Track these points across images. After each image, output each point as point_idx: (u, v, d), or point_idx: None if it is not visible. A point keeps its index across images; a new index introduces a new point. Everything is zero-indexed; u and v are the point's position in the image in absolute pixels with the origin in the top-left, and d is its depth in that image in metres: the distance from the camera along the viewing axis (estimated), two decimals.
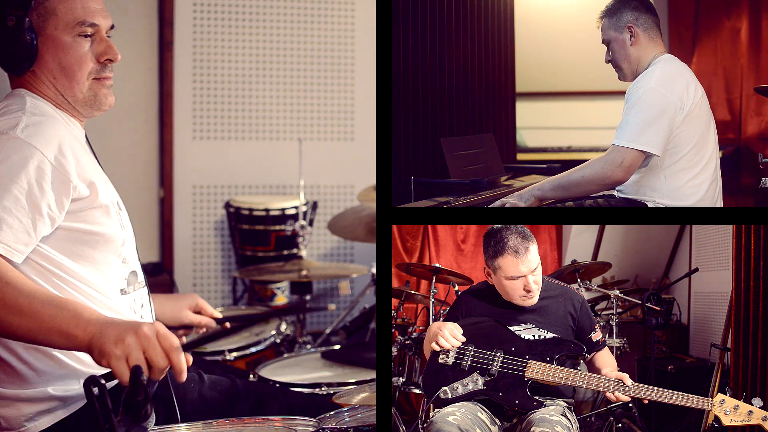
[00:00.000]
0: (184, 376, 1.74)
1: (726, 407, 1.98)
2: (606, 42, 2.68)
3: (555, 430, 1.97)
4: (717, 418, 2.07)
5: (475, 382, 2.16)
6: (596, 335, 2.31)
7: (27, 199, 1.87)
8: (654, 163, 2.55)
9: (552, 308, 2.28)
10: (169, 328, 2.49)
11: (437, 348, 2.20)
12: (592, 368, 2.34)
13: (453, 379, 2.17)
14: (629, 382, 2.10)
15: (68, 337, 1.74)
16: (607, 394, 2.10)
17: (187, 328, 2.55)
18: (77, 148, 2.01)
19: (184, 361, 1.73)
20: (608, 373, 2.17)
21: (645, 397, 2.08)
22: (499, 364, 2.17)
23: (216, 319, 2.56)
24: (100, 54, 2.09)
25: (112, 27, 2.14)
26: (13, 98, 2.07)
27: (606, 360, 2.33)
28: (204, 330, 2.57)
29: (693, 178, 2.56)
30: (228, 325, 2.61)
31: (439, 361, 2.21)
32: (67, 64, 2.06)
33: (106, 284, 2.05)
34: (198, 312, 2.54)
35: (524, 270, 2.19)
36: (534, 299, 2.24)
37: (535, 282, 2.22)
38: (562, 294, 2.31)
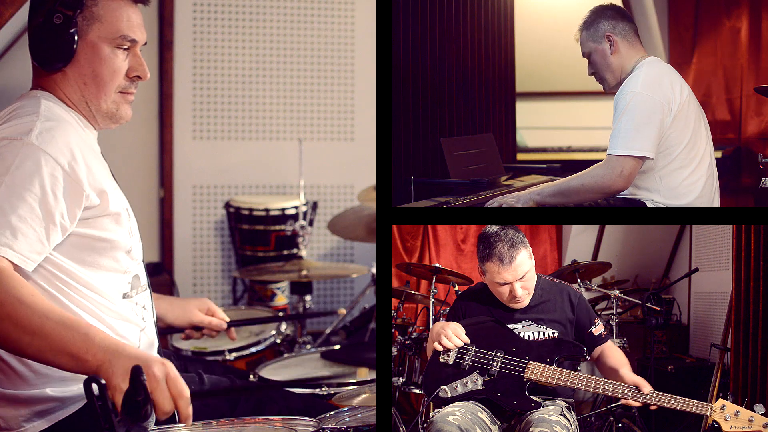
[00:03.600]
0: (189, 423, 1.74)
1: (726, 413, 1.96)
2: (586, 54, 2.72)
3: (554, 430, 1.97)
4: (717, 422, 2.07)
5: (475, 382, 2.16)
6: (597, 329, 2.31)
7: (41, 208, 1.87)
8: (648, 166, 2.56)
9: (549, 305, 2.29)
10: (177, 327, 2.51)
11: (440, 348, 2.21)
12: (605, 367, 2.31)
13: (453, 379, 2.17)
14: (647, 389, 2.07)
15: (78, 360, 1.74)
16: (623, 400, 2.09)
17: (197, 329, 2.55)
18: (89, 154, 2.01)
19: (190, 408, 1.72)
20: (626, 374, 2.15)
21: (643, 401, 2.07)
22: (499, 364, 2.17)
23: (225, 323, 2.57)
24: (132, 69, 2.10)
25: (145, 43, 2.14)
26: (27, 99, 2.06)
27: (618, 358, 2.30)
28: (214, 333, 2.57)
29: (688, 176, 2.58)
30: (234, 336, 2.62)
31: (440, 360, 2.22)
32: (101, 74, 2.06)
33: (110, 289, 2.05)
34: (209, 315, 2.54)
35: (509, 278, 2.21)
36: (523, 303, 2.27)
37: (523, 287, 2.23)
38: (559, 291, 2.32)
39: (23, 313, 1.75)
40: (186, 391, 1.72)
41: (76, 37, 2.03)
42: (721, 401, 1.98)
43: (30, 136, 1.90)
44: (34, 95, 2.07)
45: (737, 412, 1.96)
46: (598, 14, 2.69)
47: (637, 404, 2.09)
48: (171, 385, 1.71)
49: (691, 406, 2.01)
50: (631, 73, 2.63)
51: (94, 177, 1.97)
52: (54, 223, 1.89)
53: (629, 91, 2.55)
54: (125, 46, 2.08)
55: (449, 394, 2.15)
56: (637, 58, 2.65)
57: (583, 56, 2.73)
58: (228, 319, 2.58)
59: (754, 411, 1.96)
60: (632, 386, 2.10)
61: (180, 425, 1.97)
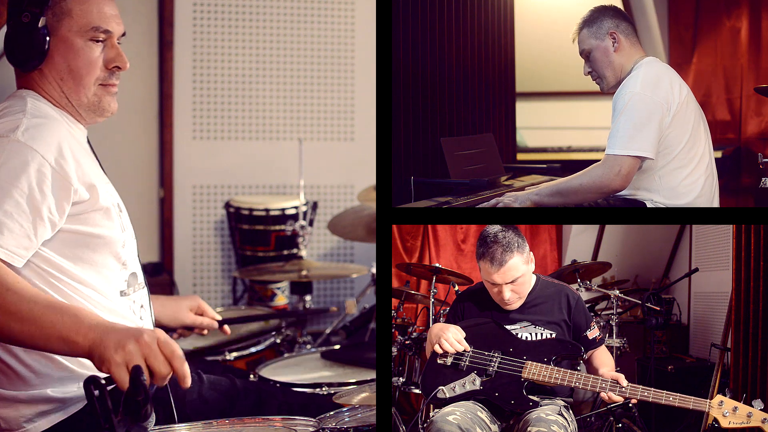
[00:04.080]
0: (188, 383, 1.73)
1: (725, 409, 1.96)
2: (586, 53, 2.70)
3: (551, 430, 1.97)
4: (717, 419, 2.06)
5: (473, 383, 2.16)
6: (593, 333, 2.32)
7: (28, 203, 1.87)
8: (648, 165, 2.55)
9: (547, 306, 2.29)
10: (169, 328, 2.52)
11: (440, 351, 2.21)
12: (590, 367, 2.34)
13: (451, 380, 2.18)
14: (624, 383, 2.10)
15: (68, 343, 1.73)
16: (602, 394, 2.11)
17: (188, 329, 2.55)
18: (78, 150, 2.01)
19: (187, 367, 1.73)
20: (605, 373, 2.18)
21: (642, 398, 2.08)
22: (496, 364, 2.17)
23: (217, 321, 2.57)
24: (109, 61, 2.09)
25: (124, 34, 2.14)
26: (14, 99, 2.07)
27: (604, 359, 2.34)
28: (205, 332, 2.58)
29: (687, 176, 2.58)
30: (227, 331, 2.62)
31: (438, 361, 2.22)
32: (76, 68, 2.06)
33: (106, 286, 2.05)
34: (199, 314, 2.54)
35: (498, 280, 2.21)
36: (513, 306, 2.27)
37: (513, 291, 2.23)
38: (557, 292, 2.32)
39: (11, 300, 1.75)
40: (179, 350, 1.72)
41: (46, 35, 2.03)
42: (719, 397, 1.97)
43: (16, 133, 1.91)
44: (20, 95, 2.08)
45: (735, 407, 1.96)
46: (600, 12, 2.68)
47: (620, 399, 2.10)
48: (163, 347, 1.71)
49: (689, 402, 2.01)
50: (629, 73, 2.63)
51: (83, 172, 1.97)
52: (41, 219, 1.89)
53: (628, 91, 2.55)
54: (99, 38, 2.07)
55: (447, 395, 2.15)
56: (636, 57, 2.65)
57: (581, 55, 2.72)
58: (219, 318, 2.58)
59: (752, 407, 1.96)
60: (628, 384, 2.10)
61: (180, 425, 1.97)
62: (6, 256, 1.84)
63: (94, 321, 1.75)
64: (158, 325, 2.47)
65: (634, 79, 2.58)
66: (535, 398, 2.14)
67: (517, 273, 2.21)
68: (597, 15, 2.68)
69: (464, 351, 2.21)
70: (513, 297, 2.24)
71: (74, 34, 2.05)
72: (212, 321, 2.56)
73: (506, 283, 2.21)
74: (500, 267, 2.19)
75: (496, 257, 2.18)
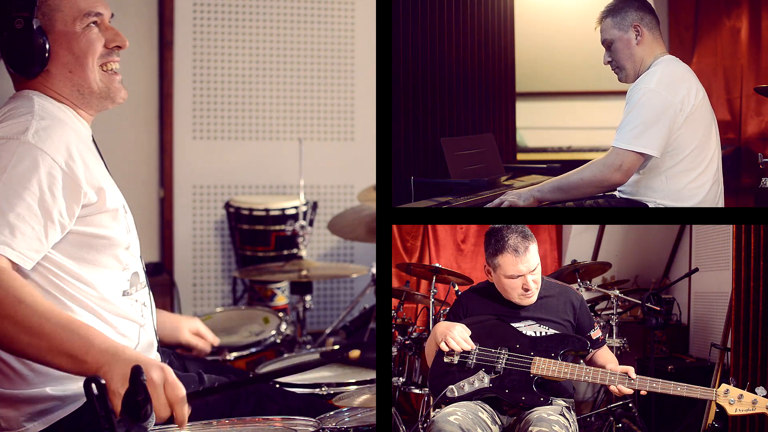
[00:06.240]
0: (184, 427, 1.75)
1: (730, 397, 2.00)
2: (607, 42, 2.66)
3: (553, 430, 1.97)
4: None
5: (481, 380, 2.16)
6: (596, 333, 2.33)
7: (39, 206, 1.87)
8: (654, 165, 2.54)
9: (552, 306, 2.29)
10: (167, 344, 2.55)
11: (446, 348, 2.21)
12: (594, 366, 2.34)
13: (459, 378, 2.18)
14: (634, 375, 2.11)
15: (76, 362, 1.74)
16: (611, 387, 2.12)
17: (185, 349, 2.59)
18: (85, 151, 2.01)
19: (186, 413, 1.73)
20: (613, 367, 2.19)
21: (651, 389, 2.09)
22: (504, 361, 2.17)
23: (213, 346, 2.63)
24: (109, 40, 2.11)
25: (113, 15, 2.15)
26: (19, 100, 2.06)
27: (607, 357, 2.36)
28: (197, 352, 2.63)
29: (694, 179, 2.56)
30: (232, 357, 2.67)
31: (445, 360, 2.22)
32: (80, 52, 2.06)
33: (109, 287, 2.05)
34: (198, 336, 2.60)
35: (523, 269, 2.21)
36: (532, 298, 2.26)
37: (534, 281, 2.24)
38: (562, 293, 2.33)
39: (22, 313, 1.75)
40: (183, 396, 1.73)
41: (44, 37, 2.03)
42: (724, 386, 2.02)
43: (26, 135, 1.91)
44: (26, 95, 2.07)
45: (740, 395, 2.00)
46: (626, 2, 2.62)
47: (630, 391, 2.12)
48: (168, 390, 1.72)
49: (696, 392, 2.05)
50: (648, 68, 2.60)
51: (91, 174, 1.98)
52: (52, 222, 1.89)
53: (643, 86, 2.53)
54: (93, 21, 2.08)
55: (456, 394, 2.15)
56: (657, 53, 2.62)
57: (603, 43, 2.66)
58: (217, 342, 2.63)
59: (756, 394, 1.99)
60: (638, 376, 2.11)
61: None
62: (18, 258, 1.84)
63: (105, 345, 1.75)
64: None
65: (650, 75, 2.55)
66: (545, 394, 2.13)
67: (536, 260, 2.23)
68: (622, 5, 2.62)
69: (470, 349, 2.21)
70: (535, 287, 2.25)
71: (69, 25, 2.06)
72: (206, 346, 2.62)
73: (530, 272, 2.22)
74: (525, 254, 2.20)
75: (519, 246, 2.20)
